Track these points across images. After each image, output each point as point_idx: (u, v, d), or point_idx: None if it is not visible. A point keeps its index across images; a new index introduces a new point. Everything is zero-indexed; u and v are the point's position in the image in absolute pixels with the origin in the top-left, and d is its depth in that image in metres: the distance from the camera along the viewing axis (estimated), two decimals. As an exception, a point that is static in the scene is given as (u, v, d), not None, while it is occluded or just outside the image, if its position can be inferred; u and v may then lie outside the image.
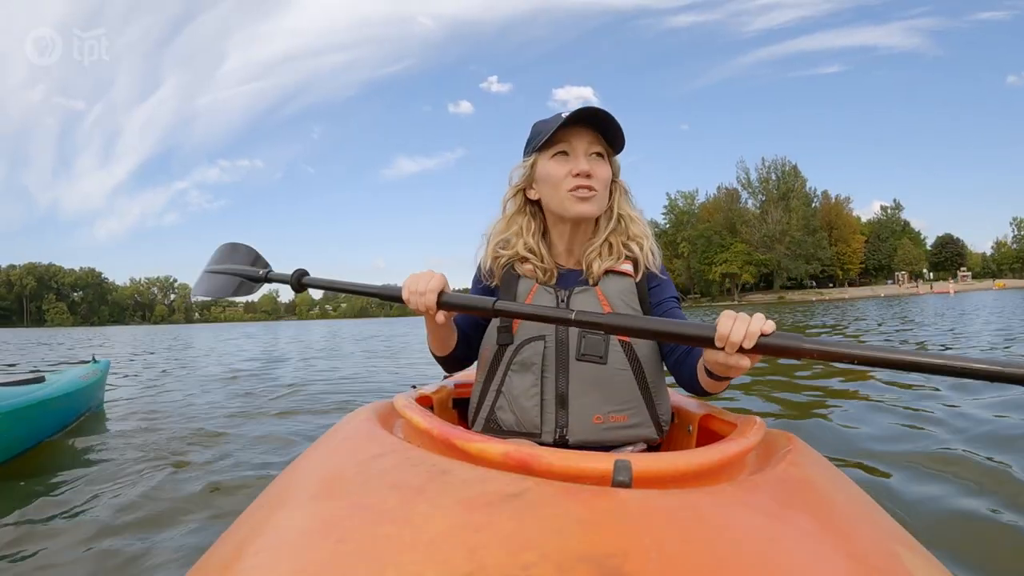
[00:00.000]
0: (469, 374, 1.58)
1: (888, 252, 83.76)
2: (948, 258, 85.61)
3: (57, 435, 3.44)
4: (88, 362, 4.52)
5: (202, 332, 38.04)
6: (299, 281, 1.49)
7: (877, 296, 60.18)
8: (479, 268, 1.44)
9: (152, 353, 13.32)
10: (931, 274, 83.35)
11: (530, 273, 1.35)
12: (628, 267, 1.33)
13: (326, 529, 0.61)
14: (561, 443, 1.23)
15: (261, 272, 1.61)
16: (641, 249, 1.33)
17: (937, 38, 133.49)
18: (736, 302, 73.80)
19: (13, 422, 2.86)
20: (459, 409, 1.59)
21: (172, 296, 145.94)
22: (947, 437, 2.72)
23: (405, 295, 1.20)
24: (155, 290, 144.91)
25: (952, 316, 14.21)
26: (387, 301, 1.30)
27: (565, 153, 1.28)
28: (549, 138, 1.27)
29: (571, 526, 0.57)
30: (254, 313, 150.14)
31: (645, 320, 1.05)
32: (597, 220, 1.35)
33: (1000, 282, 72.49)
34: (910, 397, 3.80)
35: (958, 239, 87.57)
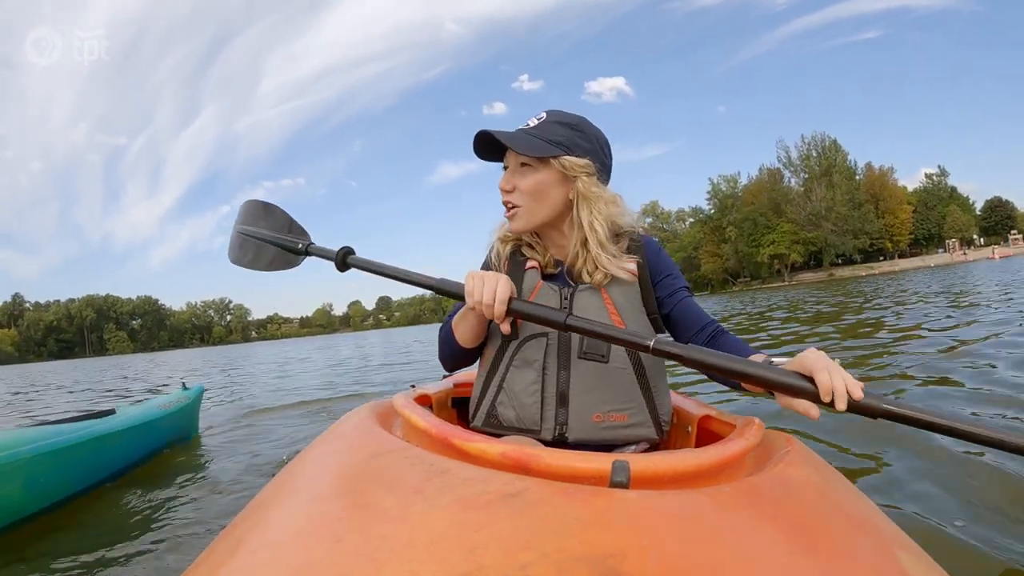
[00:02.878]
0: (468, 374, 1.59)
1: (937, 220, 79.84)
2: (999, 222, 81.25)
3: (132, 468, 3.36)
4: (180, 389, 4.40)
5: (268, 349, 38.29)
6: (344, 260, 1.37)
7: (927, 266, 57.59)
8: (487, 257, 1.42)
9: (236, 370, 13.93)
10: (982, 239, 79.69)
11: (534, 258, 1.34)
12: (632, 266, 1.28)
13: (323, 528, 0.61)
14: (560, 440, 1.21)
15: (300, 244, 1.48)
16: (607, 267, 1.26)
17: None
18: (787, 282, 72.14)
19: (64, 461, 2.67)
20: (458, 409, 1.59)
21: (228, 317, 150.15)
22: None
23: (470, 302, 1.15)
24: (211, 312, 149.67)
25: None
26: (445, 295, 1.22)
27: (506, 167, 1.30)
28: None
29: (569, 526, 0.57)
30: (310, 327, 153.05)
31: (728, 359, 0.96)
32: (561, 226, 1.31)
33: (1050, 244, 68.76)
34: (911, 397, 3.64)
35: (1008, 201, 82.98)
